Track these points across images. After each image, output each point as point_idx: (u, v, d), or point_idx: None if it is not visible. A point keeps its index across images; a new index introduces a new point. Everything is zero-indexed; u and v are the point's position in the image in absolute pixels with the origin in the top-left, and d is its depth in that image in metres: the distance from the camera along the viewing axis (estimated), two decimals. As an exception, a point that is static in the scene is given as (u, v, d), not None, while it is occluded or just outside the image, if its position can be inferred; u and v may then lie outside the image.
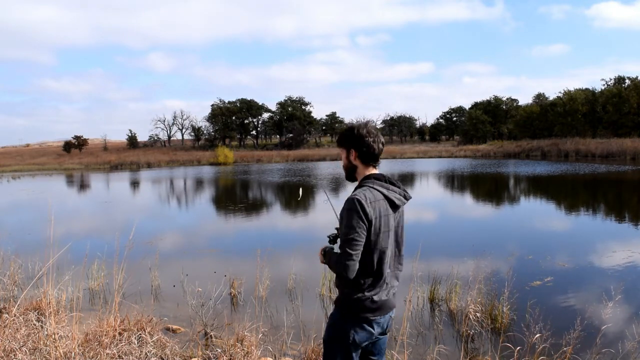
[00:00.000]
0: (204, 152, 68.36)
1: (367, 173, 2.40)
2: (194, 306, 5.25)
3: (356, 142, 2.37)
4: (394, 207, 2.35)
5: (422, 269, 6.45)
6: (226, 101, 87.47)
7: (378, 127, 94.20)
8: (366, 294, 2.31)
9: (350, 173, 2.45)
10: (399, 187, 2.40)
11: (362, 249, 2.24)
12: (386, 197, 2.31)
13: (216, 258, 9.06)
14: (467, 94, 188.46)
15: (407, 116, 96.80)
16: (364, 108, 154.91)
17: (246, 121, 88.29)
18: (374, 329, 2.35)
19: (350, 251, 2.21)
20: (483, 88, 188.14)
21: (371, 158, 2.38)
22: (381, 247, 2.30)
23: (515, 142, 60.61)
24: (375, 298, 2.32)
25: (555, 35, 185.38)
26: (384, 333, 2.47)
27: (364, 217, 2.21)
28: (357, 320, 2.33)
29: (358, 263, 2.24)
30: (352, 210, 2.21)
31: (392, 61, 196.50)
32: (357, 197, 2.23)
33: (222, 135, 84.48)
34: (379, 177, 2.36)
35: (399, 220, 2.43)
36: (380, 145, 2.39)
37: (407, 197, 2.41)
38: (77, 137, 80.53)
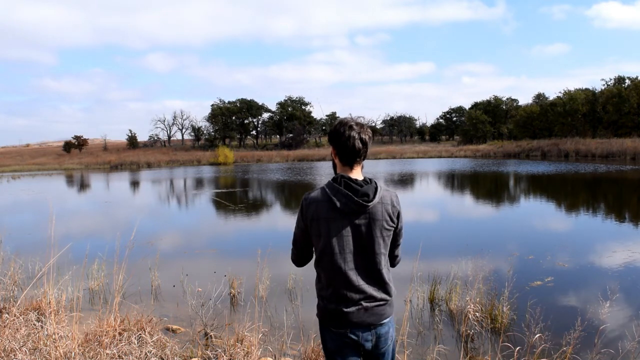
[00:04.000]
0: (204, 152, 68.38)
1: (339, 173, 2.24)
2: (194, 306, 5.25)
3: (333, 139, 2.23)
4: (338, 210, 2.14)
5: (422, 269, 6.45)
6: (226, 101, 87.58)
7: (378, 127, 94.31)
8: (323, 300, 2.25)
9: (334, 171, 2.32)
10: (356, 190, 2.15)
11: (301, 244, 2.33)
12: (329, 199, 2.15)
13: (216, 258, 9.06)
14: (467, 94, 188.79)
15: (407, 116, 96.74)
16: (364, 108, 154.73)
17: (246, 121, 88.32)
18: (343, 338, 2.20)
19: (292, 246, 2.39)
20: (483, 88, 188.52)
21: (347, 156, 2.20)
22: (329, 251, 2.17)
23: (515, 142, 60.61)
24: (329, 305, 2.20)
25: (556, 35, 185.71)
26: (375, 353, 2.27)
27: (300, 216, 2.26)
28: (322, 326, 2.28)
29: (300, 257, 2.38)
30: (299, 208, 2.29)
31: (392, 61, 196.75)
32: (304, 195, 2.26)
33: (222, 135, 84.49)
34: (336, 178, 2.19)
35: (363, 227, 2.17)
36: (359, 143, 2.17)
37: (353, 202, 2.13)
38: (77, 137, 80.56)
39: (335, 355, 2.26)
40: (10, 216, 16.72)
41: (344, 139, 2.18)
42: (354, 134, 2.18)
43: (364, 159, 2.25)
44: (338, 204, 2.13)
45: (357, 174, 2.24)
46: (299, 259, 2.40)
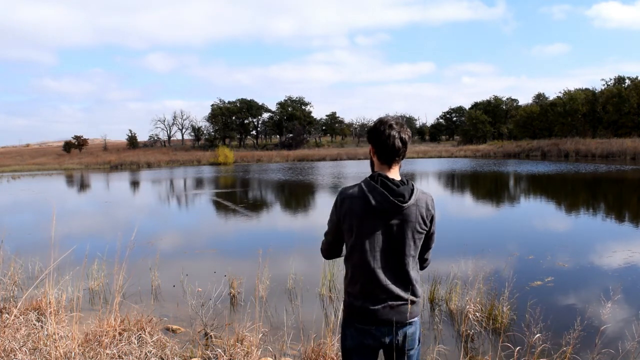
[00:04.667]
0: (204, 152, 68.39)
1: (377, 171, 2.23)
2: (194, 306, 5.25)
3: (373, 138, 2.23)
4: (372, 208, 2.13)
5: (422, 269, 6.43)
6: (226, 101, 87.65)
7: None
8: (349, 297, 2.25)
9: (372, 169, 2.30)
10: (392, 189, 2.14)
11: (331, 237, 2.33)
12: (364, 196, 2.14)
13: (216, 258, 9.06)
14: (467, 94, 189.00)
15: (407, 116, 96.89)
16: (364, 108, 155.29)
17: (246, 121, 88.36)
18: (364, 337, 2.20)
19: (324, 237, 2.39)
20: (483, 88, 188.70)
21: (386, 155, 2.19)
22: (360, 248, 2.17)
23: (515, 142, 60.65)
24: (355, 302, 2.21)
25: (556, 35, 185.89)
26: (403, 354, 2.25)
27: (334, 210, 2.26)
28: (347, 323, 2.28)
29: (329, 250, 2.39)
30: (334, 202, 2.27)
31: (392, 61, 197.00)
32: (340, 189, 2.26)
33: (222, 135, 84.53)
34: (374, 176, 2.19)
35: (395, 227, 2.16)
36: (399, 142, 2.17)
37: (388, 202, 2.12)
38: (77, 137, 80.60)
39: (353, 354, 2.25)
40: (10, 216, 16.71)
41: (384, 138, 2.17)
42: (394, 133, 2.17)
43: (402, 159, 2.25)
44: (373, 202, 2.12)
45: (394, 173, 2.23)
46: (328, 252, 2.40)
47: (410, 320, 2.23)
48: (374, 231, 2.16)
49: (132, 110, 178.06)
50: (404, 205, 2.13)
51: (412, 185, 2.20)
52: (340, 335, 2.38)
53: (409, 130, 2.24)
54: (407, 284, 2.22)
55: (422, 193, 2.22)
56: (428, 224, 2.24)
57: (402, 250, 2.19)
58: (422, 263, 2.37)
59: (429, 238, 2.31)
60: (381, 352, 2.32)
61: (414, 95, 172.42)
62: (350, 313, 2.24)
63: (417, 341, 2.30)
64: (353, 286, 2.23)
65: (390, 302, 2.18)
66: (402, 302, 2.20)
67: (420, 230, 2.21)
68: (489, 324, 5.21)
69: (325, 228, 2.37)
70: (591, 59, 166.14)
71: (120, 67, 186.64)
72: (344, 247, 2.32)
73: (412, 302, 2.24)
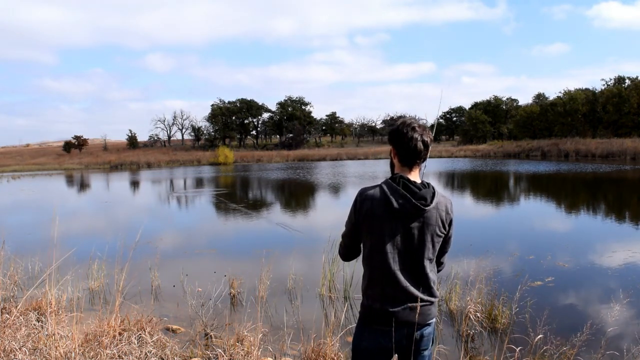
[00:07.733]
0: (204, 152, 68.43)
1: (398, 173, 2.22)
2: (194, 306, 5.25)
3: (395, 140, 2.21)
4: (394, 210, 2.11)
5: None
6: (226, 101, 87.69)
7: (378, 127, 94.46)
8: (368, 299, 2.24)
9: (392, 170, 2.30)
10: (414, 192, 2.13)
11: (349, 239, 2.31)
12: (386, 198, 2.13)
13: (216, 258, 9.06)
14: (467, 94, 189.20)
15: (407, 116, 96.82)
16: (364, 108, 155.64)
17: (246, 121, 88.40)
18: (382, 338, 2.19)
19: (341, 238, 2.37)
20: (483, 88, 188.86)
21: (407, 157, 2.19)
22: (380, 250, 2.16)
23: (515, 142, 60.67)
24: (374, 304, 2.20)
25: (556, 35, 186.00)
26: (416, 352, 2.26)
27: (353, 210, 2.23)
28: (363, 324, 2.26)
29: (347, 252, 2.36)
30: (353, 202, 2.25)
31: (392, 61, 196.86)
32: (360, 190, 2.23)
33: (222, 135, 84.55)
34: (395, 177, 2.18)
35: (415, 230, 2.15)
36: (420, 145, 2.17)
37: (411, 204, 2.11)
38: (77, 137, 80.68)
39: (368, 355, 2.24)
40: (10, 216, 16.71)
41: (406, 140, 2.17)
42: (416, 135, 2.17)
43: (423, 161, 2.25)
44: (395, 204, 2.11)
45: (415, 175, 2.22)
46: (346, 254, 2.39)
47: (428, 322, 2.25)
48: (395, 233, 2.14)
49: (132, 110, 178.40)
50: (425, 208, 2.13)
51: (433, 189, 2.19)
52: (353, 336, 2.35)
53: (431, 133, 2.24)
54: (426, 285, 2.22)
55: (442, 196, 2.22)
56: (447, 227, 2.24)
57: (421, 253, 2.18)
58: (438, 266, 2.37)
59: (446, 242, 2.30)
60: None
61: (414, 95, 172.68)
62: (369, 315, 2.23)
63: (431, 341, 2.32)
64: (372, 288, 2.22)
65: (409, 304, 2.18)
66: (422, 304, 2.21)
67: (440, 233, 2.21)
68: (489, 324, 5.20)
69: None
70: (591, 59, 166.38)
71: (120, 67, 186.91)
72: (362, 248, 2.31)
73: (431, 303, 2.25)
